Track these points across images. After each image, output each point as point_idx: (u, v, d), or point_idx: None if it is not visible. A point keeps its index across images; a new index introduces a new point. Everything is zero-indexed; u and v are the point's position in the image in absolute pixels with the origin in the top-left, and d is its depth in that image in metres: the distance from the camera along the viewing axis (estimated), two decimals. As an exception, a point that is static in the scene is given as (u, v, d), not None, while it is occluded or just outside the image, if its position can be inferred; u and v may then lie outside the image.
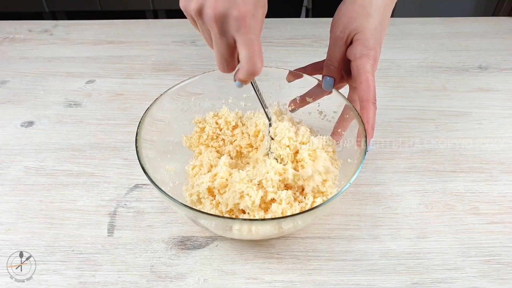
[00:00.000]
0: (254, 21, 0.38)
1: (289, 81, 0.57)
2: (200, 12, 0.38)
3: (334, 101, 0.54)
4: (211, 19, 0.38)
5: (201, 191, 0.49)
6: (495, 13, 1.96)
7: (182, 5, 0.40)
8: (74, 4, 1.99)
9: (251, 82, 0.46)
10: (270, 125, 0.51)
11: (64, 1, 1.99)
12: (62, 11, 2.08)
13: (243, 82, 0.43)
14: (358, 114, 0.48)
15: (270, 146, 0.51)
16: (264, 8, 0.40)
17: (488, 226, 0.52)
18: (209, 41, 0.41)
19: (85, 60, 0.83)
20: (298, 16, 1.05)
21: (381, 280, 0.46)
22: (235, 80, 0.44)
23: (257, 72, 0.41)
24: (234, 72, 0.44)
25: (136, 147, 0.46)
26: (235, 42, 0.39)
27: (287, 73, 0.57)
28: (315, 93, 0.56)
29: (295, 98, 0.57)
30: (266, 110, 0.50)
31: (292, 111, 0.59)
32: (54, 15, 2.08)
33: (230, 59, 0.42)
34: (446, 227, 0.52)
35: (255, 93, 0.48)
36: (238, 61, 0.42)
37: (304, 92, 0.57)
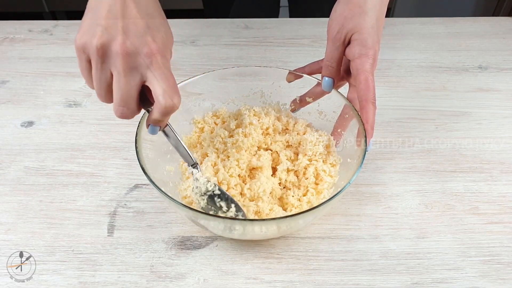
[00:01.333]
0: (165, 59, 0.38)
1: (289, 81, 0.57)
2: (105, 48, 0.36)
3: (334, 101, 0.54)
4: (118, 56, 0.36)
5: (188, 195, 0.49)
6: (495, 13, 1.96)
7: (80, 40, 0.36)
8: (74, 4, 1.99)
9: (166, 128, 0.43)
10: (195, 168, 0.48)
11: (64, 1, 1.99)
12: (62, 11, 2.08)
13: (158, 123, 0.41)
14: (358, 113, 0.48)
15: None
16: (171, 52, 0.40)
17: (488, 226, 0.52)
18: (103, 83, 0.38)
19: (85, 60, 0.83)
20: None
21: (381, 280, 0.47)
22: (147, 126, 0.42)
23: (175, 107, 0.38)
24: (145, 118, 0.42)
25: (136, 147, 0.46)
26: (142, 82, 0.38)
27: (287, 74, 0.57)
28: (315, 93, 0.56)
29: (295, 98, 0.57)
30: (189, 154, 0.47)
31: (292, 111, 0.59)
32: (54, 15, 2.08)
33: (134, 100, 0.39)
34: (446, 227, 0.52)
35: (169, 141, 0.45)
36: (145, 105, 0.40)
37: (304, 93, 0.57)
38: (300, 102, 0.57)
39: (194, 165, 0.48)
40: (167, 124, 0.43)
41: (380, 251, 0.49)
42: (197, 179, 0.48)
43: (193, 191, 0.48)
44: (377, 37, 0.47)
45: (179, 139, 0.46)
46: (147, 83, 0.38)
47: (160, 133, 0.44)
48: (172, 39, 0.41)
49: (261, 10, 0.99)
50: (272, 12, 1.03)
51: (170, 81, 0.38)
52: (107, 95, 0.39)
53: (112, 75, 0.38)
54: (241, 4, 0.91)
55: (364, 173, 0.58)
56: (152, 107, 0.40)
